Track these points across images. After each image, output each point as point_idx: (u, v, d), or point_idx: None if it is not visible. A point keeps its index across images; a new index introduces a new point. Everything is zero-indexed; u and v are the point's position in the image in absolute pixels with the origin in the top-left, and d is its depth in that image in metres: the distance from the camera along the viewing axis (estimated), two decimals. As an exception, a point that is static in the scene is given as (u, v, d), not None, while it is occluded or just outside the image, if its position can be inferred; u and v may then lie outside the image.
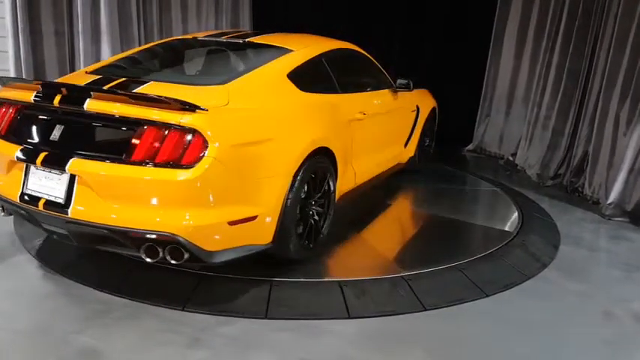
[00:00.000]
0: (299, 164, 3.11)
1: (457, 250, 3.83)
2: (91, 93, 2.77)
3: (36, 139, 2.92)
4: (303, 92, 3.44)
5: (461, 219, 4.63)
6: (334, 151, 3.52)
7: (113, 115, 2.70)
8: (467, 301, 3.15)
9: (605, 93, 5.39)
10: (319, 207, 3.50)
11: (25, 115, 3.02)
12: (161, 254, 2.71)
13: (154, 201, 2.64)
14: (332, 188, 3.60)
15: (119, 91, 2.82)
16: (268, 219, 2.99)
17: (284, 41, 3.90)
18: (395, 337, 2.79)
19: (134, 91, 2.88)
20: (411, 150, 5.42)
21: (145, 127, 2.63)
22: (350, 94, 4.03)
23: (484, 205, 5.41)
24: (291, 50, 3.69)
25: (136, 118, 2.64)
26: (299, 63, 3.58)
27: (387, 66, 4.97)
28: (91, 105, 2.72)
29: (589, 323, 3.07)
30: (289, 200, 3.07)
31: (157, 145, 2.61)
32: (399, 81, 4.78)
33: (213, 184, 2.67)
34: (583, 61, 5.86)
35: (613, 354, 2.80)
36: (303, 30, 4.62)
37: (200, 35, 4.29)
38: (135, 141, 2.63)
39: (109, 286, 3.02)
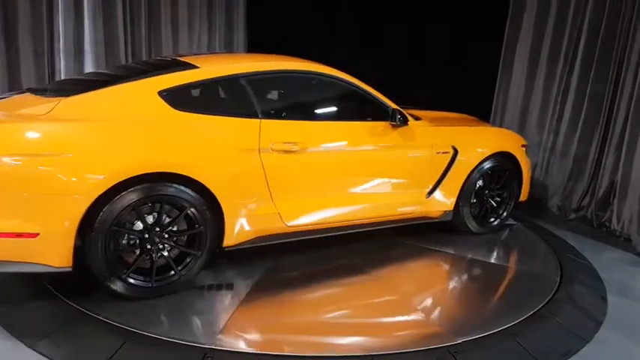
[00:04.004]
0: (108, 186, 2.85)
1: (500, 306, 3.30)
2: None
3: None
4: (176, 111, 3.16)
5: (490, 263, 4.13)
6: (205, 181, 3.13)
7: None
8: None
9: (633, 118, 4.99)
10: (182, 245, 3.18)
11: None
12: None
13: None
14: (200, 225, 3.16)
15: None
16: (56, 240, 2.80)
17: (205, 60, 3.71)
18: None
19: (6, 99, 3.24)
20: (446, 203, 4.39)
21: None
22: (274, 121, 3.51)
23: (511, 245, 4.74)
24: (195, 67, 3.40)
25: None
26: (186, 81, 3.30)
27: (387, 94, 4.15)
28: None
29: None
30: (96, 226, 2.85)
31: None
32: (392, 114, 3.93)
33: None
34: (607, 84, 5.46)
35: None
36: (297, 52, 4.06)
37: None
38: None
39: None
